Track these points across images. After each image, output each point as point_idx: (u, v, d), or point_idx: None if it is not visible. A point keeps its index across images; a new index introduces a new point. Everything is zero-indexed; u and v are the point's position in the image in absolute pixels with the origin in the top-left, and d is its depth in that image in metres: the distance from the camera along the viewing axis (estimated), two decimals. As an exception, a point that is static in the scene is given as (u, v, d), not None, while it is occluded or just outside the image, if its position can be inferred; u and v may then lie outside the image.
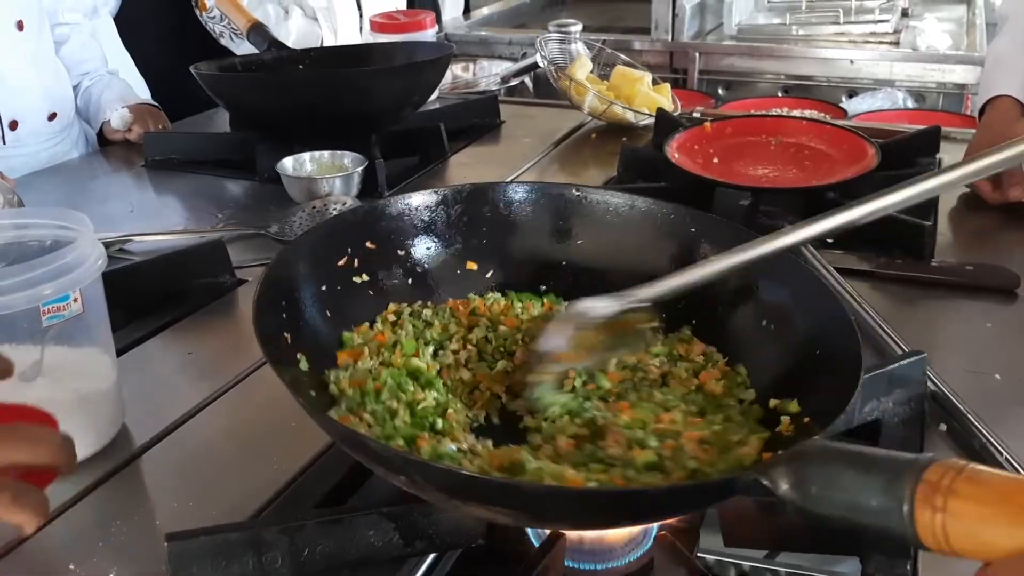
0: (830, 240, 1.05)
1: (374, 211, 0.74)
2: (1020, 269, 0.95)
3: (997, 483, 0.34)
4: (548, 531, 0.57)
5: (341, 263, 0.70)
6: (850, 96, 2.16)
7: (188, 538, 0.51)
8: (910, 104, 2.09)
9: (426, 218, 0.76)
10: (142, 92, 1.66)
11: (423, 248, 0.75)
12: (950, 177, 0.60)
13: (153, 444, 0.71)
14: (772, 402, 0.61)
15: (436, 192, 0.76)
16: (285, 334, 0.61)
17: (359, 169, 1.19)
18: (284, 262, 0.66)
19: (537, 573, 0.52)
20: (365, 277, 0.72)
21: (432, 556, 0.59)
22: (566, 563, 0.57)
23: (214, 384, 0.78)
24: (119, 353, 0.83)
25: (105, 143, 1.53)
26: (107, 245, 1.04)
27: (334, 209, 1.12)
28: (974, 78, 2.04)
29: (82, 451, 0.62)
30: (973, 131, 1.43)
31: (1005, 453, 0.66)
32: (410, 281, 0.74)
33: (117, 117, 1.47)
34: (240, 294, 0.95)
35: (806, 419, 0.57)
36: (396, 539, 0.55)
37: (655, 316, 0.65)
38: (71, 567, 0.57)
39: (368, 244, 0.72)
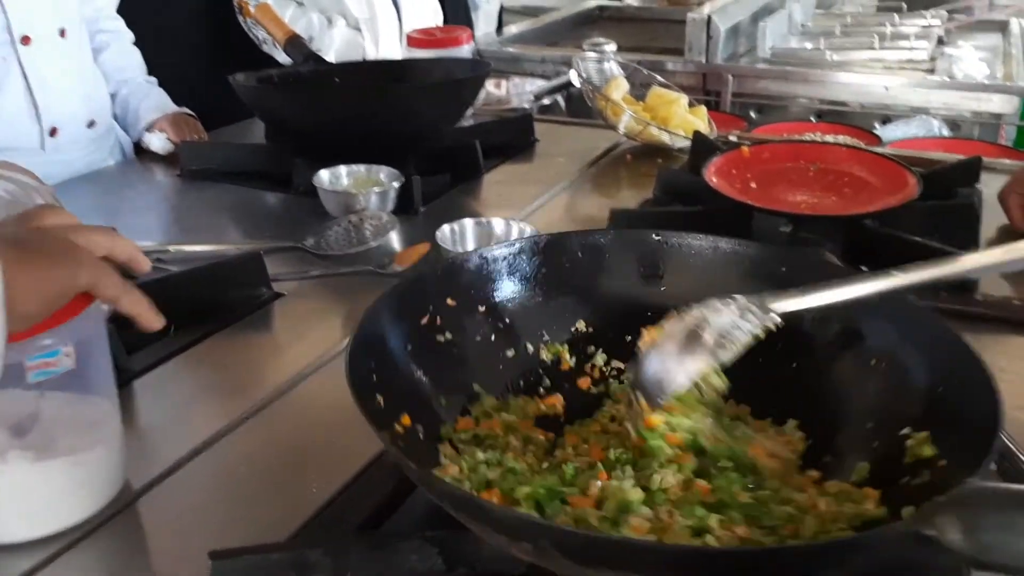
0: (863, 268, 1.04)
1: (453, 266, 0.72)
2: (1066, 304, 0.93)
3: None
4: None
5: (424, 321, 0.68)
6: (884, 123, 2.14)
7: (231, 557, 0.51)
8: (945, 132, 2.07)
9: (504, 270, 0.73)
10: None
11: (505, 300, 0.73)
12: None
13: (188, 460, 0.70)
14: (909, 442, 0.57)
15: (512, 244, 0.73)
16: (378, 396, 0.60)
17: (395, 184, 1.19)
18: (370, 321, 0.63)
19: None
20: (448, 335, 0.69)
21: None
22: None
23: (251, 399, 0.78)
24: (153, 366, 0.83)
25: (141, 151, 1.54)
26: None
27: (370, 224, 1.12)
28: (1011, 108, 2.02)
29: (76, 514, 0.61)
30: (1011, 161, 1.42)
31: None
32: (493, 338, 0.72)
33: (158, 143, 1.48)
34: (276, 307, 0.95)
35: (942, 463, 0.53)
36: (439, 564, 0.55)
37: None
38: (110, 581, 0.57)
39: (449, 301, 0.70)
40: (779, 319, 0.56)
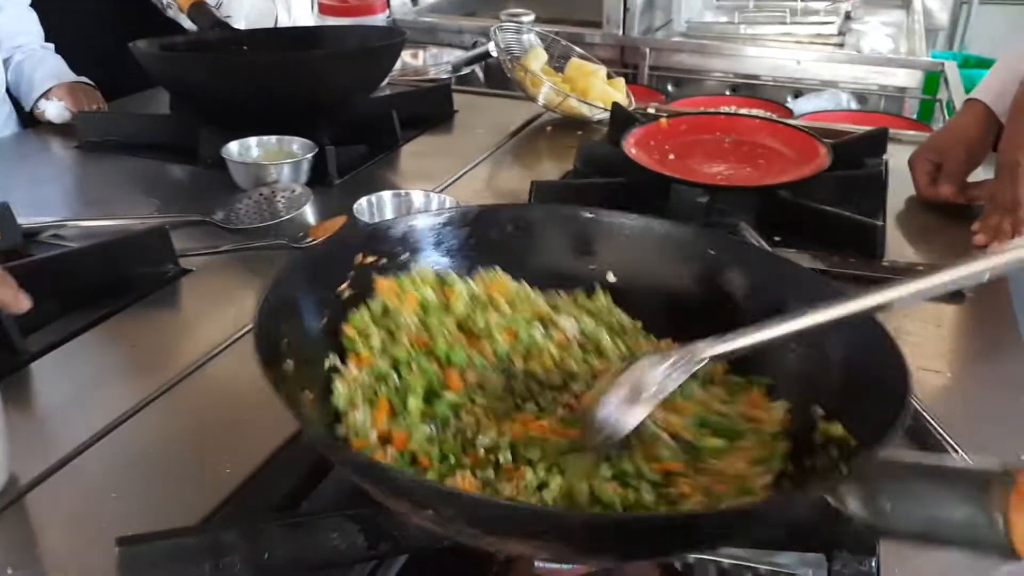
0: (777, 239, 1.07)
1: (377, 232, 0.69)
2: (967, 270, 0.97)
3: None
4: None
5: (342, 287, 0.64)
6: (795, 96, 2.18)
7: (140, 543, 0.48)
8: (853, 105, 2.13)
9: (432, 240, 0.70)
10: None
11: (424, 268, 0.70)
12: None
13: (90, 445, 0.66)
14: (822, 425, 0.57)
15: (441, 213, 0.71)
16: (288, 361, 0.56)
17: (309, 156, 1.16)
18: (281, 284, 0.60)
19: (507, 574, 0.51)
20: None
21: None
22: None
23: (158, 380, 0.74)
24: (53, 347, 0.79)
25: (34, 123, 1.45)
26: (39, 231, 1.00)
27: (283, 197, 1.08)
28: (915, 82, 2.09)
29: None
30: (917, 133, 1.47)
31: (960, 452, 0.67)
32: None
33: (54, 111, 1.40)
34: (184, 284, 0.91)
35: (853, 443, 0.54)
36: (360, 541, 0.53)
37: None
38: (8, 571, 0.54)
39: (368, 258, 0.66)
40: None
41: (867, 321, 0.59)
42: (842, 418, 0.56)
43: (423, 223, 0.70)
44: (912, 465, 0.40)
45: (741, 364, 0.64)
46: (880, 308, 0.53)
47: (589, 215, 0.73)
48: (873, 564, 0.57)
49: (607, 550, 0.49)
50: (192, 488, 0.61)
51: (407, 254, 0.69)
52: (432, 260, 0.70)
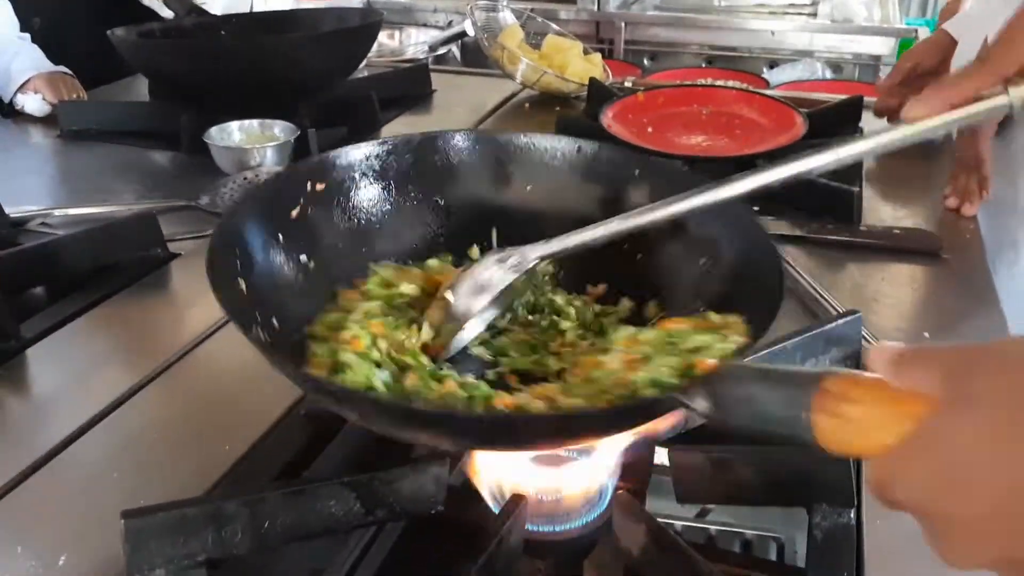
0: (755, 207, 1.08)
1: (324, 161, 0.73)
2: (940, 232, 1.00)
3: (880, 387, 0.37)
4: (508, 496, 0.58)
5: (295, 214, 0.69)
6: (771, 67, 2.20)
7: (145, 515, 0.50)
8: (828, 75, 2.15)
9: (377, 168, 0.75)
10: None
11: (373, 197, 0.75)
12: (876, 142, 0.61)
13: (89, 427, 0.67)
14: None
15: (384, 142, 0.75)
16: (240, 280, 0.61)
17: (291, 139, 1.16)
18: (234, 214, 0.64)
19: (501, 537, 0.53)
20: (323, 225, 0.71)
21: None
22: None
23: (152, 362, 0.75)
24: (46, 333, 0.80)
25: (15, 113, 1.45)
26: (26, 220, 1.01)
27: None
28: (888, 49, 2.11)
29: None
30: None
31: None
32: (360, 229, 0.74)
33: (33, 105, 1.39)
34: (174, 268, 0.92)
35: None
36: (357, 508, 0.55)
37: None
38: (16, 548, 0.55)
39: (319, 186, 0.71)
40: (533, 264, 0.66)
41: (758, 236, 0.64)
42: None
43: (368, 151, 0.74)
44: (752, 369, 0.44)
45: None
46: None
47: (524, 139, 0.78)
48: (852, 515, 0.59)
49: (492, 441, 0.54)
50: (192, 465, 0.62)
51: (353, 181, 0.73)
52: (376, 189, 0.75)
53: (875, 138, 0.59)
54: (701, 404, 0.45)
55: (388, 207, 0.75)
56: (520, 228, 0.75)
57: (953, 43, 1.17)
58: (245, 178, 1.10)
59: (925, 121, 0.56)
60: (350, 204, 0.73)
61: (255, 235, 0.65)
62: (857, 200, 1.02)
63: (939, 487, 0.33)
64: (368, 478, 0.55)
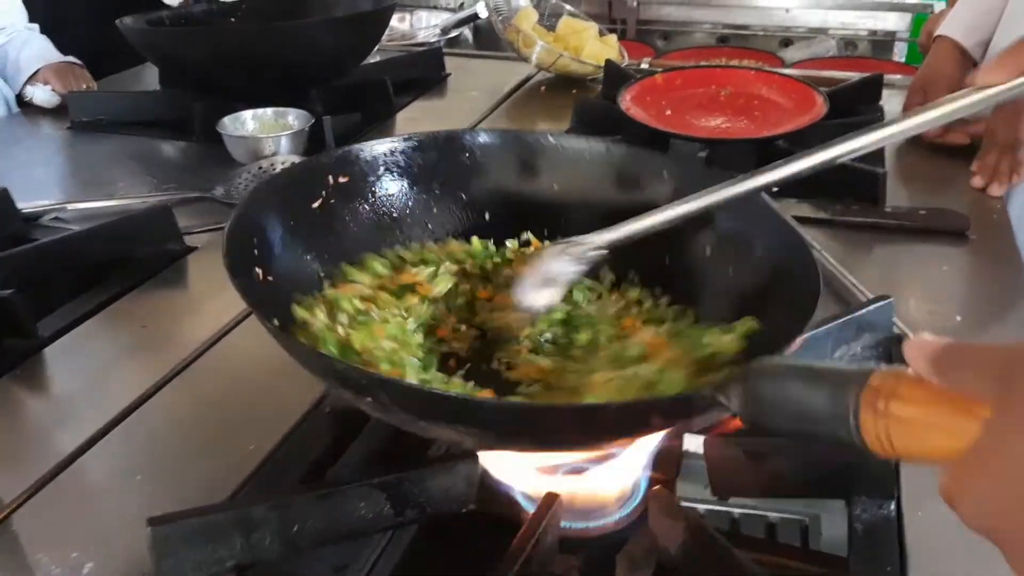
0: (775, 189, 1.06)
1: (348, 155, 0.72)
2: (967, 211, 0.97)
3: (936, 386, 0.35)
4: (541, 493, 0.56)
5: (316, 205, 0.68)
6: (785, 45, 2.17)
7: (172, 521, 0.49)
8: (844, 52, 2.12)
9: (401, 163, 0.73)
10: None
11: (396, 192, 0.73)
12: (909, 124, 0.60)
13: (112, 427, 0.66)
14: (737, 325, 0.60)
15: (409, 138, 0.73)
16: (257, 269, 0.60)
17: (306, 127, 1.15)
18: (254, 202, 0.64)
19: (537, 536, 0.52)
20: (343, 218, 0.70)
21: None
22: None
23: (172, 359, 0.74)
24: (64, 331, 0.79)
25: (25, 104, 1.43)
26: (39, 215, 1.00)
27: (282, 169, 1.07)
28: (904, 25, 2.08)
29: None
30: (904, 77, 1.46)
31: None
32: (382, 223, 0.72)
33: (43, 96, 1.38)
34: (190, 262, 0.91)
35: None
36: (387, 509, 0.54)
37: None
38: (39, 556, 0.54)
39: (341, 179, 0.70)
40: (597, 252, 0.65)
41: (792, 237, 0.63)
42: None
43: (392, 147, 0.73)
44: (789, 366, 0.41)
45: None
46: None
47: (551, 140, 0.76)
48: (892, 507, 0.58)
49: (518, 437, 0.52)
50: (217, 466, 0.61)
51: (376, 177, 0.72)
52: (400, 184, 0.73)
53: (923, 115, 0.57)
54: (736, 403, 0.43)
55: (410, 202, 0.74)
56: (547, 224, 0.75)
57: (956, 48, 1.15)
58: (260, 167, 1.08)
59: (989, 91, 0.54)
60: (372, 198, 0.72)
61: (274, 224, 0.65)
62: (883, 181, 1.00)
63: (1005, 508, 0.30)
64: (398, 479, 0.54)
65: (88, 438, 0.65)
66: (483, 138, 0.76)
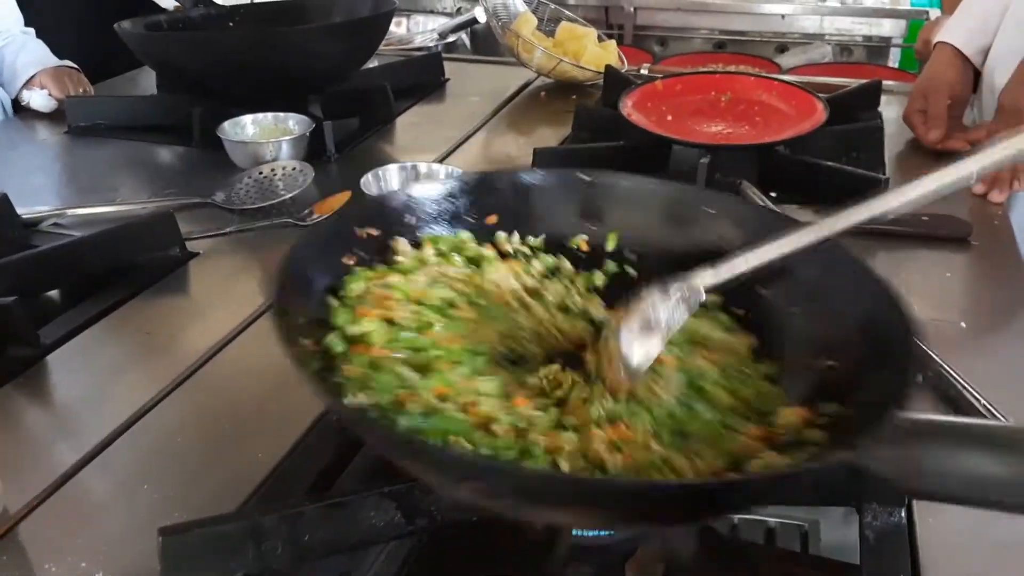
0: (772, 194, 1.06)
1: (378, 204, 0.69)
2: (969, 217, 0.98)
3: None
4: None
5: (351, 262, 0.63)
6: (781, 50, 2.18)
7: (182, 532, 0.48)
8: (839, 58, 2.13)
9: (431, 210, 0.69)
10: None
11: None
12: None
13: (117, 436, 0.66)
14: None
15: (443, 182, 0.69)
16: (305, 340, 0.54)
17: (307, 132, 1.14)
18: (291, 264, 0.58)
19: (552, 545, 0.51)
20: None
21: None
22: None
23: (177, 367, 0.74)
24: (66, 338, 0.78)
25: (21, 108, 1.42)
26: (39, 220, 0.99)
27: (283, 175, 1.07)
28: (899, 31, 2.08)
29: None
30: (899, 83, 1.47)
31: (983, 400, 0.68)
32: None
33: (39, 101, 1.37)
34: (193, 268, 0.91)
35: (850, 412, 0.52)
36: (398, 518, 0.54)
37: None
38: (48, 567, 0.54)
39: (371, 232, 0.65)
40: (704, 296, 0.58)
41: (871, 280, 0.58)
42: (850, 380, 0.54)
43: (424, 193, 0.68)
44: (946, 424, 0.39)
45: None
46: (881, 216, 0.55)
47: (587, 178, 0.71)
48: (903, 514, 0.58)
49: (640, 516, 0.48)
50: (225, 475, 0.61)
51: (408, 225, 0.67)
52: (434, 231, 0.68)
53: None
54: (884, 467, 0.40)
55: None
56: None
57: (956, 54, 1.16)
58: (261, 172, 1.08)
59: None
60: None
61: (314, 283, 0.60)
62: (885, 187, 1.00)
63: None
64: (408, 487, 0.54)
65: (93, 448, 0.64)
66: (520, 177, 0.71)
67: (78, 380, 0.73)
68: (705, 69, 1.40)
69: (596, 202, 0.71)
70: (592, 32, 1.47)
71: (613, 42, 1.49)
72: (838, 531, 0.78)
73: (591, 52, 1.42)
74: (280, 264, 0.56)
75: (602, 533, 0.58)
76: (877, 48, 2.12)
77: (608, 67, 1.34)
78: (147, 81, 1.53)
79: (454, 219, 0.69)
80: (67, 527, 0.57)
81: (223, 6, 1.47)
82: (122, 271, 0.88)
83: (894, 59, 2.21)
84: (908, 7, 2.16)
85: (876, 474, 0.41)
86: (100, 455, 0.63)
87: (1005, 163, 0.51)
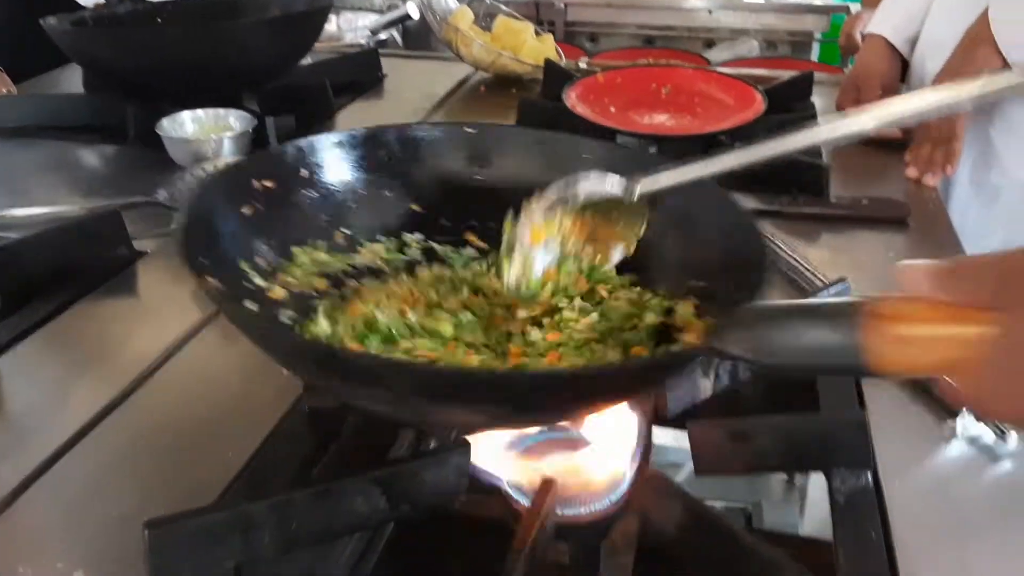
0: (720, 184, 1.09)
1: (271, 157, 0.71)
2: (905, 199, 1.02)
3: (935, 303, 0.37)
4: (532, 481, 0.57)
5: (248, 212, 0.65)
6: (708, 45, 2.23)
7: (170, 523, 0.47)
8: (764, 52, 2.19)
9: (322, 161, 0.72)
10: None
11: (332, 187, 0.72)
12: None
13: (73, 444, 0.63)
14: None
15: (331, 136, 0.73)
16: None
17: (249, 128, 1.12)
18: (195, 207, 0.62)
19: (536, 525, 0.52)
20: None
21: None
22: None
23: (132, 371, 0.71)
24: (9, 346, 0.74)
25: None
26: (-30, 223, 0.94)
27: (227, 172, 1.05)
28: (822, 26, 2.16)
29: None
30: (826, 74, 1.52)
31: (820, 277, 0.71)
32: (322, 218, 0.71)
33: None
34: (141, 268, 0.88)
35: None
36: (383, 504, 0.53)
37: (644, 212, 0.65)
38: (20, 571, 0.52)
39: (267, 184, 0.68)
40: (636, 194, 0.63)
41: (732, 209, 0.64)
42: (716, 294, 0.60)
43: (317, 145, 0.71)
44: (786, 305, 0.43)
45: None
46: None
47: (472, 130, 0.76)
48: (869, 476, 0.60)
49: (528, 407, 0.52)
50: (196, 476, 0.59)
51: (303, 179, 0.71)
52: (327, 182, 0.72)
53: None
54: (739, 348, 0.44)
55: (353, 194, 0.73)
56: (486, 210, 0.73)
57: (886, 44, 1.21)
58: (203, 170, 1.05)
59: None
60: (311, 193, 0.71)
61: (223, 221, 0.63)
62: (826, 174, 1.04)
63: None
64: (392, 472, 0.54)
65: (44, 460, 0.61)
66: (407, 132, 0.76)
67: (25, 389, 0.69)
68: (644, 62, 1.42)
69: (482, 150, 0.76)
70: (529, 26, 1.48)
71: (550, 36, 1.51)
72: (778, 511, 0.80)
73: (529, 46, 1.43)
74: (185, 215, 0.60)
75: (581, 511, 0.59)
76: (800, 43, 2.19)
77: (548, 61, 1.35)
78: (69, 80, 1.48)
79: (351, 170, 0.73)
80: (29, 534, 0.55)
81: (150, 2, 1.42)
82: (65, 274, 0.85)
83: (814, 53, 2.28)
84: (830, 2, 2.24)
85: (736, 356, 0.45)
86: (51, 467, 0.60)
87: (929, 114, 0.54)
